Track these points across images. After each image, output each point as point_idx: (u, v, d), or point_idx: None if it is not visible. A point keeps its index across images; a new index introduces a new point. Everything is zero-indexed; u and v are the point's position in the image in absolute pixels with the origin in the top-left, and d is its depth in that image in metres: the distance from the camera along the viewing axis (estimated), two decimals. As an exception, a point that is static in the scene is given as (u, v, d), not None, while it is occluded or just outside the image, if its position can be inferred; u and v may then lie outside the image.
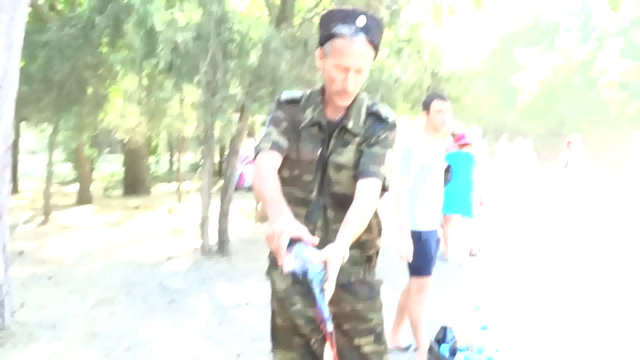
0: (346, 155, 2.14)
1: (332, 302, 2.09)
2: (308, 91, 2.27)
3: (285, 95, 2.28)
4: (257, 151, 2.16)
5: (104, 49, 9.05)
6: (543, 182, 17.14)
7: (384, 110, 2.20)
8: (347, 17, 2.04)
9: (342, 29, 2.04)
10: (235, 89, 7.79)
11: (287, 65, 7.43)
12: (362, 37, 2.04)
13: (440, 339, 3.71)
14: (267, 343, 4.29)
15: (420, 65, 9.87)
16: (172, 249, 7.99)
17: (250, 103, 7.61)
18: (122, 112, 11.01)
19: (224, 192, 7.88)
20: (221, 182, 9.27)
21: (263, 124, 11.51)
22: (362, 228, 1.93)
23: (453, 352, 3.34)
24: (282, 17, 8.08)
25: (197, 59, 7.15)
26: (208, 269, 6.86)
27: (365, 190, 2.01)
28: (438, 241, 3.86)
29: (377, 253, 2.29)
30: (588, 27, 36.06)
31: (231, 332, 4.68)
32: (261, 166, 2.09)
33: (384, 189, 2.10)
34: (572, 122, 33.33)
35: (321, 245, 2.02)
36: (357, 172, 2.08)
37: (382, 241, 2.32)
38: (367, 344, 2.24)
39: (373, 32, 2.07)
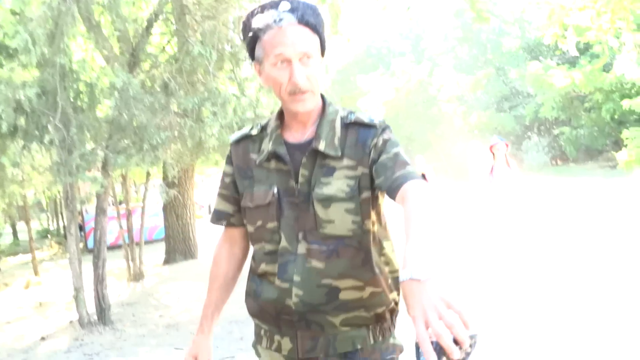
0: (335, 185, 1.67)
1: None
2: (264, 119, 1.89)
3: (234, 135, 1.89)
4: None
5: None
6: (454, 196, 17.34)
7: (365, 116, 1.75)
8: (266, 7, 1.68)
9: (264, 20, 1.65)
10: (94, 144, 7.21)
11: (148, 112, 6.97)
12: (290, 19, 1.63)
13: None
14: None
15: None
16: (42, 327, 7.14)
17: (113, 157, 7.03)
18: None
19: (97, 256, 7.19)
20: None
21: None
22: (435, 225, 1.39)
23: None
24: (133, 61, 7.61)
25: (45, 117, 6.51)
26: (93, 343, 6.14)
27: (411, 191, 1.50)
28: None
29: (392, 311, 1.77)
30: (419, 49, 38.31)
31: (141, 411, 4.13)
32: (214, 253, 1.94)
33: None
34: (420, 138, 35.00)
35: (302, 321, 1.68)
36: (387, 190, 1.61)
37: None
38: None
39: (304, 13, 1.65)
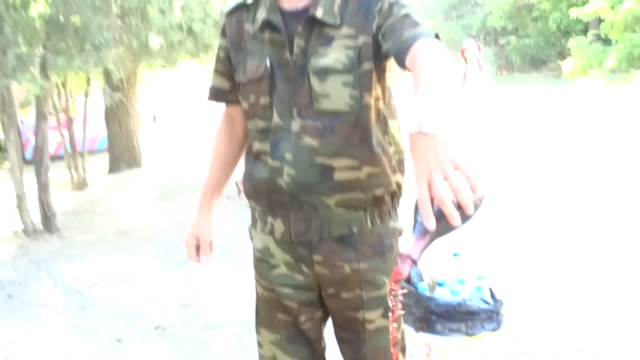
0: (332, 55, 1.51)
1: (324, 262, 1.63)
2: None
3: (228, 5, 1.74)
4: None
5: None
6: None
7: None
8: None
9: None
10: (30, 45, 6.76)
11: (89, 10, 6.54)
12: None
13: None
14: (148, 319, 3.96)
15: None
16: (-16, 237, 6.89)
17: (52, 58, 6.63)
18: None
19: (39, 163, 6.89)
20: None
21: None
22: (450, 82, 1.22)
23: (432, 288, 2.97)
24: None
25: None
26: (39, 251, 5.93)
27: (423, 49, 1.33)
28: None
29: (393, 194, 1.66)
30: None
31: (99, 316, 4.03)
32: (216, 132, 1.87)
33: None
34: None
35: (294, 202, 1.57)
36: (395, 54, 1.43)
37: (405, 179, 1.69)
38: (374, 319, 1.66)
39: None
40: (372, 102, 1.56)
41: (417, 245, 1.11)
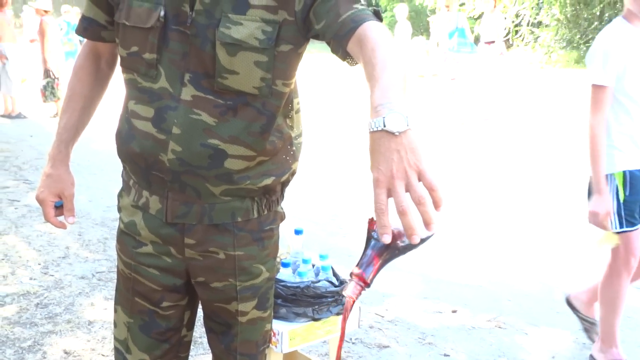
0: (247, 28, 1.27)
1: (197, 246, 1.42)
2: None
3: None
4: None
5: None
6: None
7: None
8: None
9: None
10: None
11: None
12: None
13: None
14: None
15: None
16: None
17: None
18: None
19: None
20: None
21: None
22: (405, 73, 1.08)
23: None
24: None
25: None
26: None
27: (371, 34, 1.17)
28: None
29: (285, 182, 1.49)
30: None
31: None
32: (75, 66, 1.57)
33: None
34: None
35: (175, 182, 1.35)
36: (333, 38, 1.23)
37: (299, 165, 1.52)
38: (247, 311, 1.51)
39: None
40: (285, 89, 1.36)
41: (372, 266, 0.97)
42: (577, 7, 15.64)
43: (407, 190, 0.91)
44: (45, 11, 9.15)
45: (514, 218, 4.99)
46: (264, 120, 1.35)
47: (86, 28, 1.48)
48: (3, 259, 3.79)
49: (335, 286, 2.06)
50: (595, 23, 15.14)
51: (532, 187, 5.85)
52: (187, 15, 1.28)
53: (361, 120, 8.99)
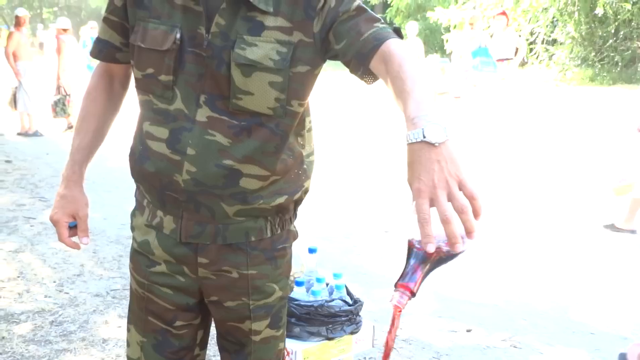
0: (262, 49, 1.28)
1: (210, 266, 1.42)
2: None
3: None
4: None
5: None
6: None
7: None
8: None
9: None
10: None
11: None
12: None
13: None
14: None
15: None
16: None
17: None
18: None
19: None
20: None
21: None
22: (429, 86, 1.14)
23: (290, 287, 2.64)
24: None
25: None
26: None
27: (396, 51, 1.20)
28: None
29: (298, 201, 1.49)
30: None
31: None
32: (89, 87, 1.55)
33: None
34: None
35: (190, 202, 1.36)
36: (355, 57, 1.26)
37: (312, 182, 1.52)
38: (260, 330, 1.50)
39: None
40: (300, 109, 1.37)
41: (416, 275, 1.00)
42: (592, 24, 15.60)
43: (448, 199, 0.93)
44: (64, 30, 9.32)
45: (528, 236, 4.95)
46: (278, 140, 1.36)
47: (101, 50, 1.49)
48: (18, 277, 3.81)
49: (349, 305, 2.05)
50: (610, 41, 15.11)
51: (546, 205, 5.81)
52: (203, 37, 1.30)
53: (374, 138, 9.02)
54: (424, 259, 0.99)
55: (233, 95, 1.30)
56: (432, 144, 0.96)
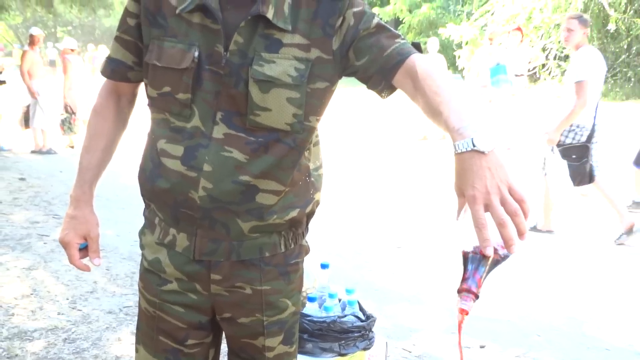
0: (280, 65, 1.29)
1: (223, 282, 1.42)
2: None
3: None
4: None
5: None
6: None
7: None
8: None
9: None
10: None
11: None
12: None
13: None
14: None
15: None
16: None
17: None
18: None
19: None
20: None
21: None
22: (463, 95, 1.17)
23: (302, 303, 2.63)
24: None
25: None
26: None
27: (423, 65, 1.25)
28: None
29: (310, 214, 1.49)
30: None
31: None
32: (97, 105, 1.55)
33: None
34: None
35: (205, 219, 1.35)
36: (378, 72, 1.30)
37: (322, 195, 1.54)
38: (274, 346, 1.48)
39: None
40: (316, 124, 1.39)
41: (476, 278, 1.05)
42: (605, 40, 15.59)
43: (501, 204, 0.99)
44: (71, 50, 9.46)
45: (542, 251, 4.92)
46: (295, 155, 1.37)
47: (114, 70, 1.49)
48: (32, 294, 3.82)
49: (362, 321, 2.04)
50: (623, 56, 15.09)
51: (560, 220, 5.77)
52: (221, 55, 1.30)
53: (384, 152, 9.02)
54: (482, 262, 1.04)
55: (250, 111, 1.30)
56: (482, 152, 1.02)
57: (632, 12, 14.77)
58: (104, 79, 1.55)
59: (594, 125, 5.08)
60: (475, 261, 1.05)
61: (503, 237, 0.99)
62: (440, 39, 19.09)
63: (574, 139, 5.06)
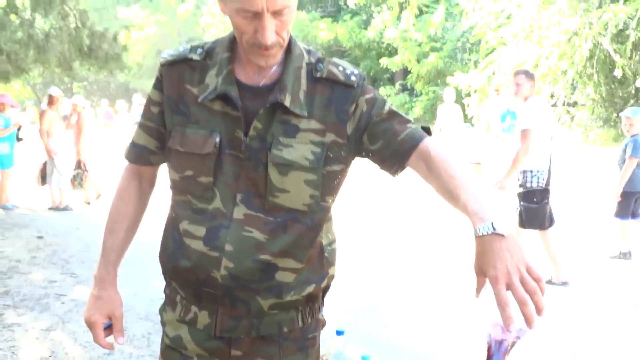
0: (298, 150, 1.37)
1: (242, 357, 1.47)
2: (209, 42, 1.48)
3: (167, 55, 1.48)
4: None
5: None
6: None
7: (339, 70, 1.41)
8: None
9: None
10: None
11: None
12: None
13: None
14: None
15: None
16: None
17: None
18: None
19: None
20: None
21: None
22: (476, 179, 1.28)
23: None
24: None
25: None
26: None
27: (435, 150, 1.35)
28: None
29: (326, 289, 1.55)
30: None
31: None
32: (120, 188, 1.62)
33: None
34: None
35: (227, 297, 1.41)
36: (392, 156, 1.40)
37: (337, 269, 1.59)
38: None
39: None
40: (332, 204, 1.47)
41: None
42: (612, 85, 15.72)
43: (521, 283, 1.07)
44: (83, 107, 9.72)
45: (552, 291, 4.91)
46: (313, 234, 1.43)
47: (138, 155, 1.57)
48: (50, 356, 3.86)
49: (378, 388, 2.07)
50: (631, 101, 15.16)
51: (570, 261, 5.76)
52: (241, 140, 1.38)
53: (392, 211, 9.05)
54: (504, 349, 1.13)
55: (270, 193, 1.38)
56: (502, 235, 1.10)
57: (637, 57, 14.91)
58: (126, 161, 1.62)
59: (549, 170, 5.33)
60: (501, 350, 1.13)
61: (524, 315, 1.04)
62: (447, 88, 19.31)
63: (537, 183, 5.27)
